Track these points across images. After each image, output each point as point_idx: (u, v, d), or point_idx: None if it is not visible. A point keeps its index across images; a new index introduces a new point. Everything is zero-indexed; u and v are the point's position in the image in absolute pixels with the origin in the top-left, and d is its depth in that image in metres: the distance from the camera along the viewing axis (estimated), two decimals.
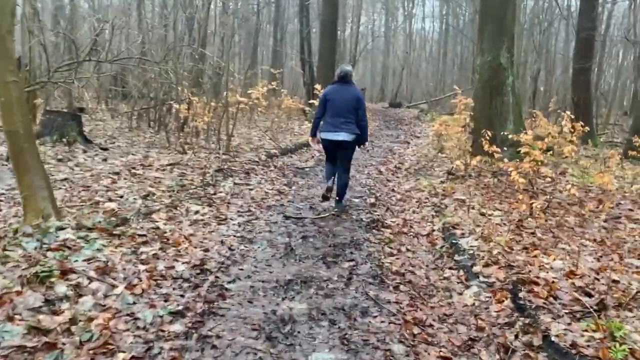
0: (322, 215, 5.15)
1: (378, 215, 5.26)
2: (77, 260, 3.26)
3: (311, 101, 13.75)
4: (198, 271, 3.43)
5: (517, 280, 3.34)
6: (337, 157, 5.45)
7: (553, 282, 3.30)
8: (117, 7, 14.13)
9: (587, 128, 6.84)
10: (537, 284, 3.27)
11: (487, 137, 6.50)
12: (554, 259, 3.72)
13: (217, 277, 3.35)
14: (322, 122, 5.44)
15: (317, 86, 13.41)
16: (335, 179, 5.43)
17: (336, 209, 5.36)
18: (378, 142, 11.86)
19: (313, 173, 7.73)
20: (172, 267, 3.46)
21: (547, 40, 23.40)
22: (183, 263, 3.55)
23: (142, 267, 3.36)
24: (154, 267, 3.40)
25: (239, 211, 5.16)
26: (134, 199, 5.07)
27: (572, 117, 6.31)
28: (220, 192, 5.87)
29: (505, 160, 6.01)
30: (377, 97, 39.88)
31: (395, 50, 38.70)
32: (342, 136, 5.20)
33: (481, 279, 3.46)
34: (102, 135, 9.51)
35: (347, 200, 5.78)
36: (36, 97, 9.46)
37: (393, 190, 6.53)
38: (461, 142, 7.18)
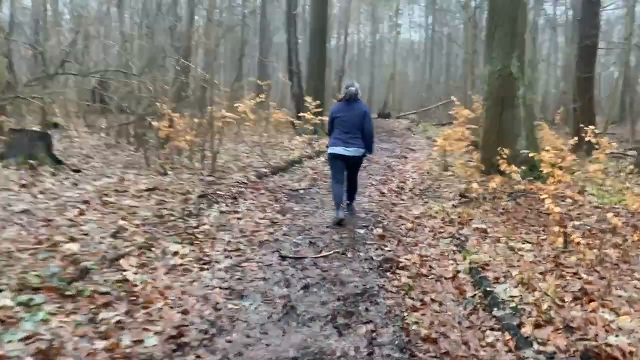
0: (325, 254, 4.38)
1: (390, 251, 4.52)
2: (11, 341, 2.46)
3: (301, 114, 13.03)
4: (174, 346, 2.64)
5: (585, 350, 2.61)
6: (345, 171, 5.62)
7: (631, 352, 2.58)
8: (96, 17, 13.32)
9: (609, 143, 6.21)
10: (613, 358, 2.54)
11: (503, 155, 5.81)
12: (620, 316, 3.00)
13: (198, 356, 2.56)
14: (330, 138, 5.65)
15: (308, 99, 12.70)
16: (344, 195, 5.65)
17: (347, 212, 5.66)
18: (374, 157, 11.14)
19: (309, 196, 6.97)
20: (141, 342, 2.66)
21: (534, 50, 23.08)
22: (155, 334, 2.76)
23: (100, 345, 2.56)
24: (116, 343, 2.60)
25: (225, 250, 4.37)
26: (101, 237, 4.26)
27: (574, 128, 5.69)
28: (204, 223, 5.09)
29: (520, 179, 5.36)
30: None
31: (383, 61, 38.31)
32: (352, 151, 5.43)
33: (536, 347, 2.73)
34: (76, 154, 8.66)
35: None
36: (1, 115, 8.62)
37: (401, 217, 5.80)
38: (474, 159, 6.48)
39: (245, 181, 7.36)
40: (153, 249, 4.11)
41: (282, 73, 19.11)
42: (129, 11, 16.31)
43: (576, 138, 6.14)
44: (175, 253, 4.11)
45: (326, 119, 7.34)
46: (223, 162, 8.86)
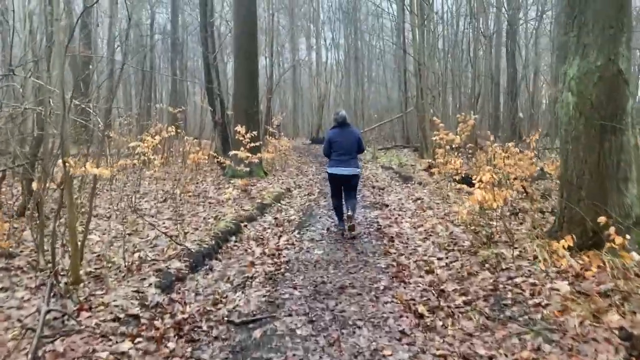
0: None
1: None
2: None
3: (232, 152, 9.26)
4: None
5: None
6: (345, 189, 6.23)
7: None
8: None
9: None
10: None
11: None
12: None
13: None
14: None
15: (239, 128, 9.02)
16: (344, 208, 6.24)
17: (351, 224, 6.05)
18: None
19: (269, 341, 3.27)
20: None
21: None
22: None
23: None
24: None
25: None
26: None
27: None
28: None
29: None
30: (293, 133, 36.17)
31: (311, 82, 35.47)
32: (350, 171, 6.11)
33: None
34: None
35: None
36: None
37: None
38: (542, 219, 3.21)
39: (136, 313, 3.54)
40: None
41: (200, 97, 15.21)
42: None
43: None
44: None
45: (266, 155, 9.06)
46: (96, 257, 4.97)
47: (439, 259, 4.84)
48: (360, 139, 6.26)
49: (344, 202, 6.27)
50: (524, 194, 7.94)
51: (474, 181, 9.09)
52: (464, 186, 6.92)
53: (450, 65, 21.77)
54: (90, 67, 19.52)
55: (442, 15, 23.66)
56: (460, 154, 9.46)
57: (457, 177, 8.97)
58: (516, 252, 4.39)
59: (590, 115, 4.03)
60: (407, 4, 22.94)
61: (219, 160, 11.23)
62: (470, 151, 10.38)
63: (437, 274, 4.40)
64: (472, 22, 22.14)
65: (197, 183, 10.52)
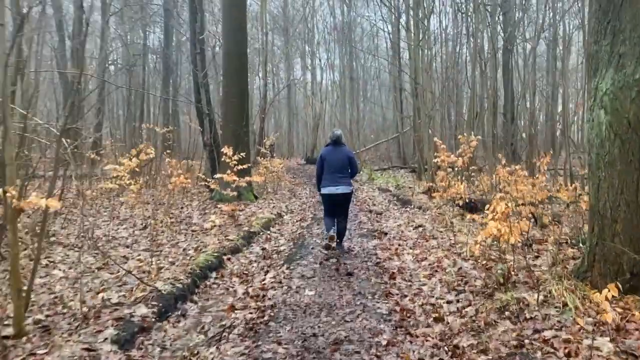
0: None
1: None
2: None
3: (217, 175, 8.60)
4: None
5: None
6: (336, 207, 6.29)
7: None
8: None
9: None
10: None
11: None
12: None
13: None
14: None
15: (226, 150, 8.40)
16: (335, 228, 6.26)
17: (337, 249, 6.22)
18: (349, 245, 7.02)
19: None
20: None
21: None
22: None
23: None
24: None
25: None
26: None
27: None
28: None
29: None
30: (288, 153, 35.63)
31: (306, 102, 35.10)
32: (341, 189, 6.21)
33: None
34: None
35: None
36: None
37: None
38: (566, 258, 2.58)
39: None
40: None
41: (188, 116, 14.65)
42: None
43: None
44: None
45: (255, 179, 8.96)
46: (55, 295, 4.28)
47: (449, 302, 4.17)
48: (352, 158, 6.42)
49: (335, 224, 6.33)
50: (533, 221, 7.33)
51: (480, 207, 8.46)
52: (473, 215, 6.29)
53: (448, 84, 21.39)
54: (79, 86, 18.96)
55: (438, 34, 23.36)
56: (463, 178, 8.85)
57: (460, 202, 8.36)
58: (540, 297, 3.73)
59: (628, 137, 3.43)
60: (403, 24, 22.72)
61: (207, 182, 10.58)
62: (472, 174, 9.78)
63: (447, 322, 3.74)
64: (468, 41, 21.88)
65: (182, 208, 9.85)
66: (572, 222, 7.09)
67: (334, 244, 6.13)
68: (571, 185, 7.87)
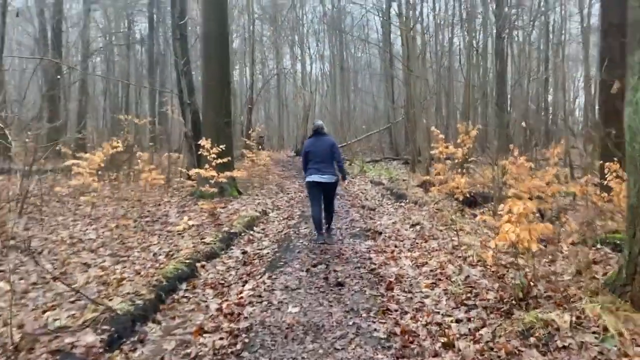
0: None
1: None
2: None
3: (194, 170, 7.85)
4: None
5: None
6: (323, 195, 6.31)
7: None
8: None
9: None
10: None
11: None
12: None
13: None
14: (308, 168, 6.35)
15: (204, 142, 7.64)
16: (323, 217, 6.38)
17: (328, 238, 6.28)
18: (339, 247, 6.35)
19: None
20: None
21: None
22: None
23: None
24: None
25: None
26: None
27: None
28: None
29: None
30: (278, 145, 34.83)
31: (296, 93, 34.22)
32: (326, 178, 6.18)
33: None
34: None
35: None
36: None
37: None
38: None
39: None
40: None
41: (169, 106, 13.85)
42: None
43: None
44: None
45: (236, 173, 8.73)
46: None
47: (458, 321, 3.50)
48: (335, 145, 6.34)
49: (323, 215, 6.38)
50: (539, 218, 6.69)
51: (480, 202, 7.78)
52: (474, 211, 5.63)
53: (441, 73, 20.70)
54: (59, 76, 18.05)
55: (430, 22, 22.64)
56: (463, 170, 8.18)
57: (460, 197, 7.70)
58: (573, 318, 3.07)
59: None
60: (395, 8, 21.92)
61: (189, 177, 9.82)
62: (472, 166, 9.12)
63: (459, 350, 3.07)
64: (462, 28, 21.19)
65: (159, 205, 9.09)
66: (579, 218, 6.50)
67: (323, 230, 6.31)
68: (572, 178, 7.26)
